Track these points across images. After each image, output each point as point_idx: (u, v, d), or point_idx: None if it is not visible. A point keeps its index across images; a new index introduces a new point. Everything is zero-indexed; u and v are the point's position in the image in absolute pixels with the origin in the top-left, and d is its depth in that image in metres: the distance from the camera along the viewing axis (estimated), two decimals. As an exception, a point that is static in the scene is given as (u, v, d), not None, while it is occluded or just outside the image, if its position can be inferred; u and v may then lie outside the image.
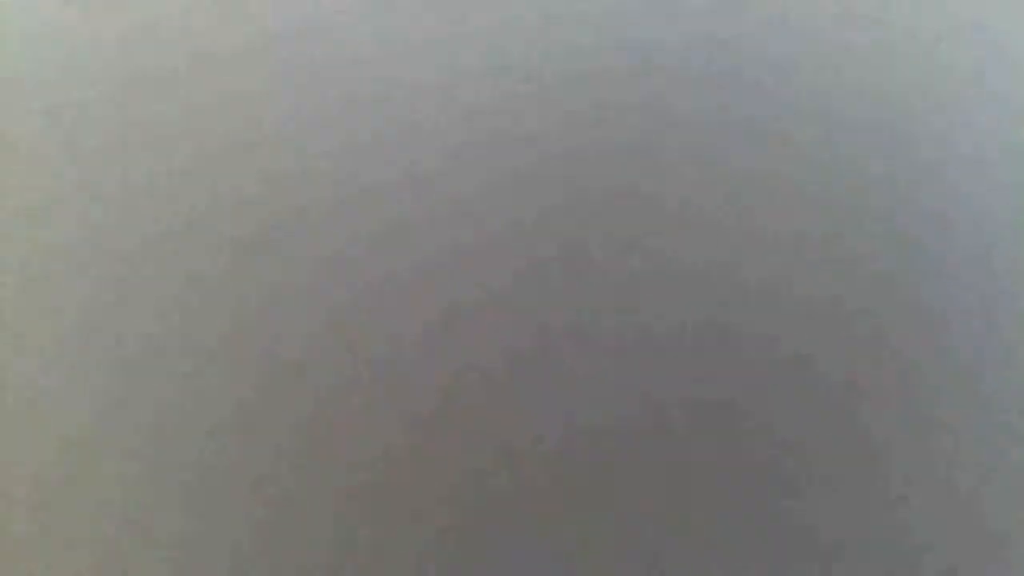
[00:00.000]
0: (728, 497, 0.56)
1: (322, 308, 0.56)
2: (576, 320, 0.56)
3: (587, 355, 0.56)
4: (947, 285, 0.57)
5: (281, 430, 0.55)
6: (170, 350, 0.56)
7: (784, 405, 0.56)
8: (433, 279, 0.56)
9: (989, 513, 0.56)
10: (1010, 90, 0.58)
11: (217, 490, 0.55)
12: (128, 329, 0.56)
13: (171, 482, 0.55)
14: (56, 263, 0.56)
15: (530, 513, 0.55)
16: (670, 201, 0.57)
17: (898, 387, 0.57)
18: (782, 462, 0.56)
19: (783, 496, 0.56)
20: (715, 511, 0.56)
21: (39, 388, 0.55)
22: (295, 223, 0.56)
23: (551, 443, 0.56)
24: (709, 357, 0.56)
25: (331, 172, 0.57)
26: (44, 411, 0.55)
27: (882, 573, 0.56)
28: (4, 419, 0.55)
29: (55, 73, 0.57)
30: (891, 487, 0.56)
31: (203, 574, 0.55)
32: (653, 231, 0.57)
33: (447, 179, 0.57)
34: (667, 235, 0.57)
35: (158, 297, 0.56)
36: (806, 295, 0.57)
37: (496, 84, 0.57)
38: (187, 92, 0.57)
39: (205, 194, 0.56)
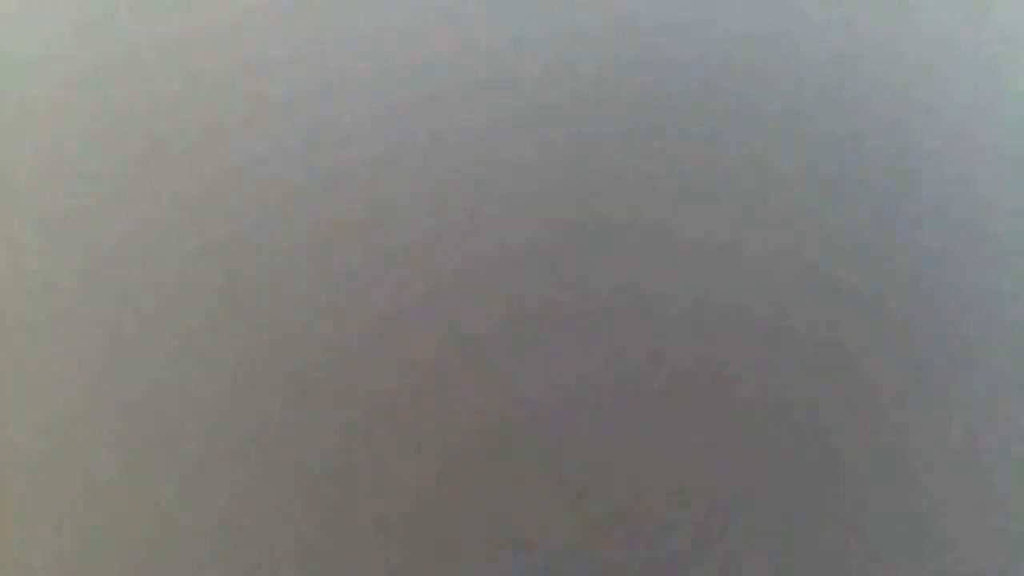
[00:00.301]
0: (728, 477, 0.56)
1: (320, 278, 0.56)
2: (576, 300, 0.56)
3: (585, 335, 0.56)
4: (951, 266, 0.57)
5: (262, 417, 0.55)
6: (162, 328, 0.56)
7: (788, 388, 0.56)
8: (434, 257, 0.56)
9: (990, 489, 0.56)
10: (1014, 69, 0.58)
11: (204, 464, 0.55)
12: (122, 305, 0.56)
13: (146, 474, 0.55)
14: (50, 246, 0.56)
15: (523, 495, 0.55)
16: (671, 183, 0.57)
17: (901, 367, 0.57)
18: (785, 442, 0.56)
19: (784, 474, 0.56)
20: (714, 494, 0.56)
21: (30, 363, 0.56)
22: (289, 202, 0.56)
23: (547, 421, 0.56)
24: (709, 338, 0.56)
25: (328, 147, 0.57)
26: (36, 387, 0.55)
27: (886, 553, 0.56)
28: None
29: (54, 69, 0.57)
30: (892, 466, 0.56)
31: (191, 540, 0.55)
32: (654, 213, 0.57)
33: (443, 157, 0.57)
34: (667, 217, 0.57)
35: (149, 278, 0.56)
36: (809, 280, 0.57)
37: (497, 65, 0.57)
38: (177, 77, 0.57)
39: (197, 174, 0.56)
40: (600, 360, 0.56)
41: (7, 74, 0.57)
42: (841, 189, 0.57)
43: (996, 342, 0.57)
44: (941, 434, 0.56)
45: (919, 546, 0.56)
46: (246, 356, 0.56)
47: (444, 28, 0.57)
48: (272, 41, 0.57)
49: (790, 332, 0.56)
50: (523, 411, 0.56)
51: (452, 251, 0.56)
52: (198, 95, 0.57)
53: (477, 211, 0.56)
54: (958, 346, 0.57)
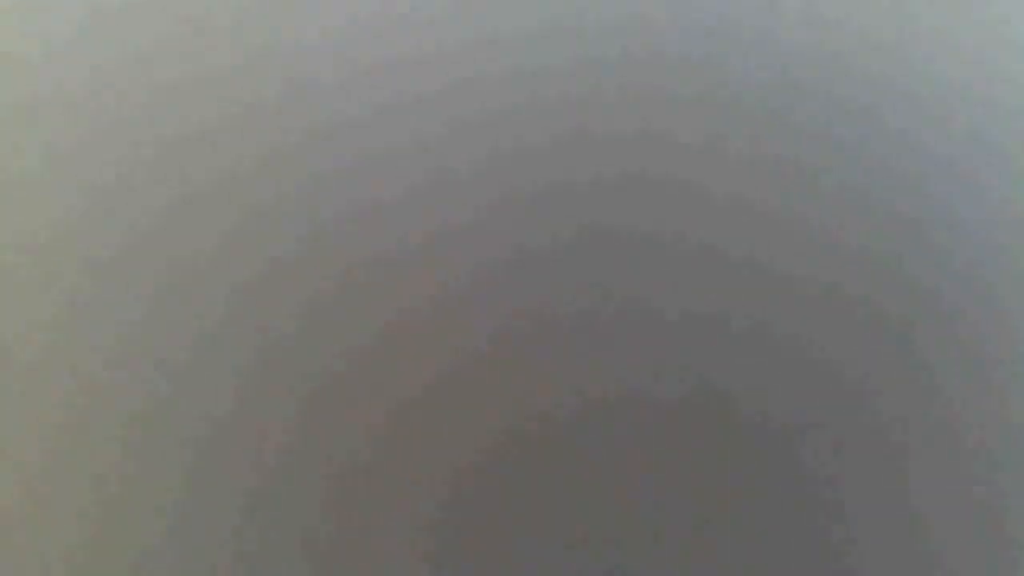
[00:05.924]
0: (727, 487, 0.56)
1: (320, 286, 0.56)
2: (575, 306, 0.56)
3: (585, 342, 0.56)
4: (956, 277, 0.58)
5: (272, 420, 0.55)
6: (161, 337, 0.55)
7: (787, 395, 0.56)
8: (432, 260, 0.56)
9: (995, 508, 0.57)
10: (1016, 70, 0.59)
11: (209, 478, 0.55)
12: (127, 307, 0.56)
13: (160, 475, 0.55)
14: (50, 248, 0.56)
15: (521, 503, 0.56)
16: (675, 188, 0.57)
17: (906, 376, 0.57)
18: (783, 453, 0.56)
19: (782, 489, 0.56)
20: (714, 504, 0.56)
21: (35, 369, 0.55)
22: (290, 203, 0.56)
23: (548, 430, 0.56)
24: (710, 345, 0.57)
25: (328, 148, 0.57)
26: (40, 392, 0.55)
27: (889, 566, 0.56)
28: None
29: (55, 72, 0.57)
30: (896, 476, 0.57)
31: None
32: (659, 217, 0.57)
33: (444, 159, 0.57)
34: (672, 222, 0.57)
35: (148, 285, 0.56)
36: (810, 284, 0.57)
37: (506, 65, 0.57)
38: (179, 80, 0.57)
39: (202, 175, 0.56)
40: (607, 367, 0.56)
41: (9, 74, 0.57)
42: (848, 194, 0.58)
43: (1002, 349, 0.57)
44: (946, 444, 0.57)
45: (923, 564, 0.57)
46: (260, 357, 0.56)
47: (448, 27, 0.57)
48: (289, 41, 0.57)
49: (796, 341, 0.57)
50: (522, 412, 0.56)
51: (461, 254, 0.56)
52: (206, 95, 0.57)
53: (486, 215, 0.56)
54: (962, 353, 0.57)
